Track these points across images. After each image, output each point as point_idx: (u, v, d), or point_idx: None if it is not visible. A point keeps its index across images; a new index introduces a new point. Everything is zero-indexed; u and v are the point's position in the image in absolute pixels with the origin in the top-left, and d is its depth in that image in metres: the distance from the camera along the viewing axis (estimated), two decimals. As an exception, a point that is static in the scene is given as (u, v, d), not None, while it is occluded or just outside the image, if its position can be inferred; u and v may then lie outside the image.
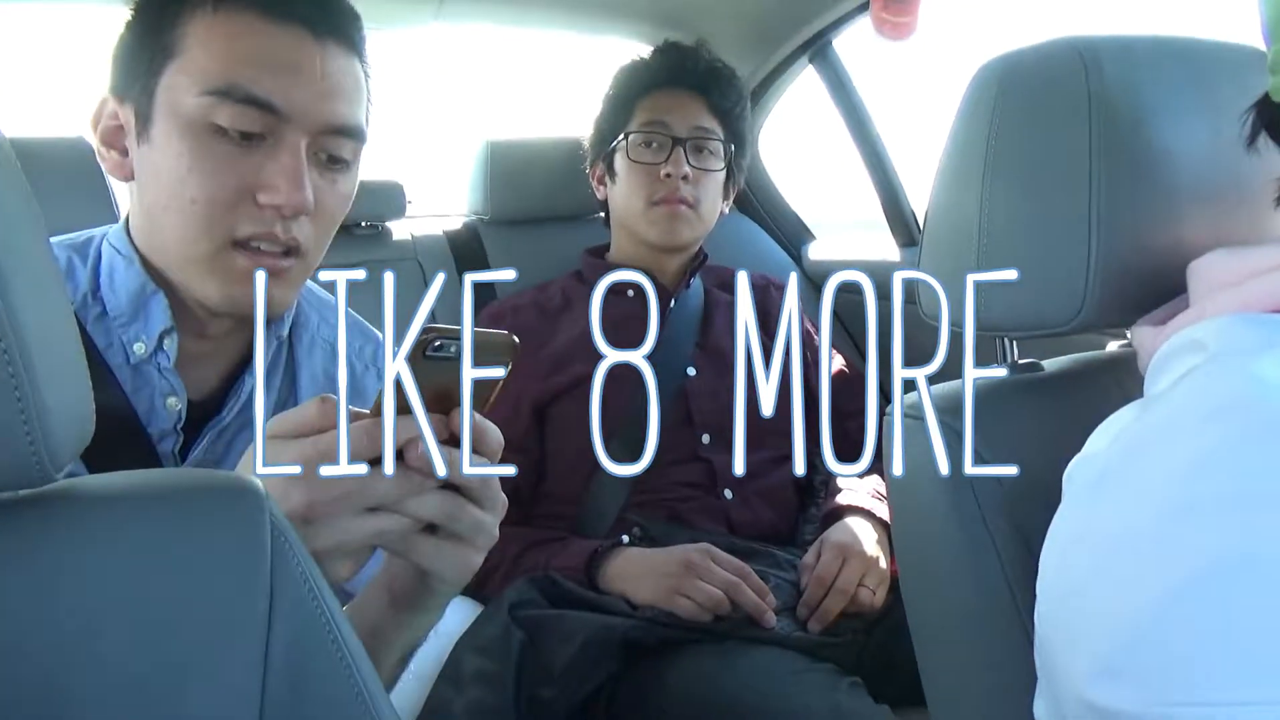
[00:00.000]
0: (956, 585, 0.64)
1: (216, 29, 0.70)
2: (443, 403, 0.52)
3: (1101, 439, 0.50)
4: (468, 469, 0.51)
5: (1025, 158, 0.66)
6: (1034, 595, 0.52)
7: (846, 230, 2.03)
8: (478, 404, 0.53)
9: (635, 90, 1.43)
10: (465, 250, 1.71)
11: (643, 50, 1.50)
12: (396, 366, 0.49)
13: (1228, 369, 0.43)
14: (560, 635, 1.07)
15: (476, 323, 1.54)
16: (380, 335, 0.90)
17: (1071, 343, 0.80)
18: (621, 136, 1.41)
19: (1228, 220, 0.65)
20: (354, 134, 0.75)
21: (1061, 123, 0.64)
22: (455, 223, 1.78)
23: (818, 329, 1.50)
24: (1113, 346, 0.83)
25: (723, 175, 1.43)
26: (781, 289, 1.52)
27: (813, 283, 1.89)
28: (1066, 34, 0.66)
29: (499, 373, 0.53)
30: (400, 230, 1.71)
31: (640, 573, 1.16)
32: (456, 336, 0.50)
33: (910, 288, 0.77)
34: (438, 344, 0.50)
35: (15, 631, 0.40)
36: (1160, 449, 0.44)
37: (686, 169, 1.36)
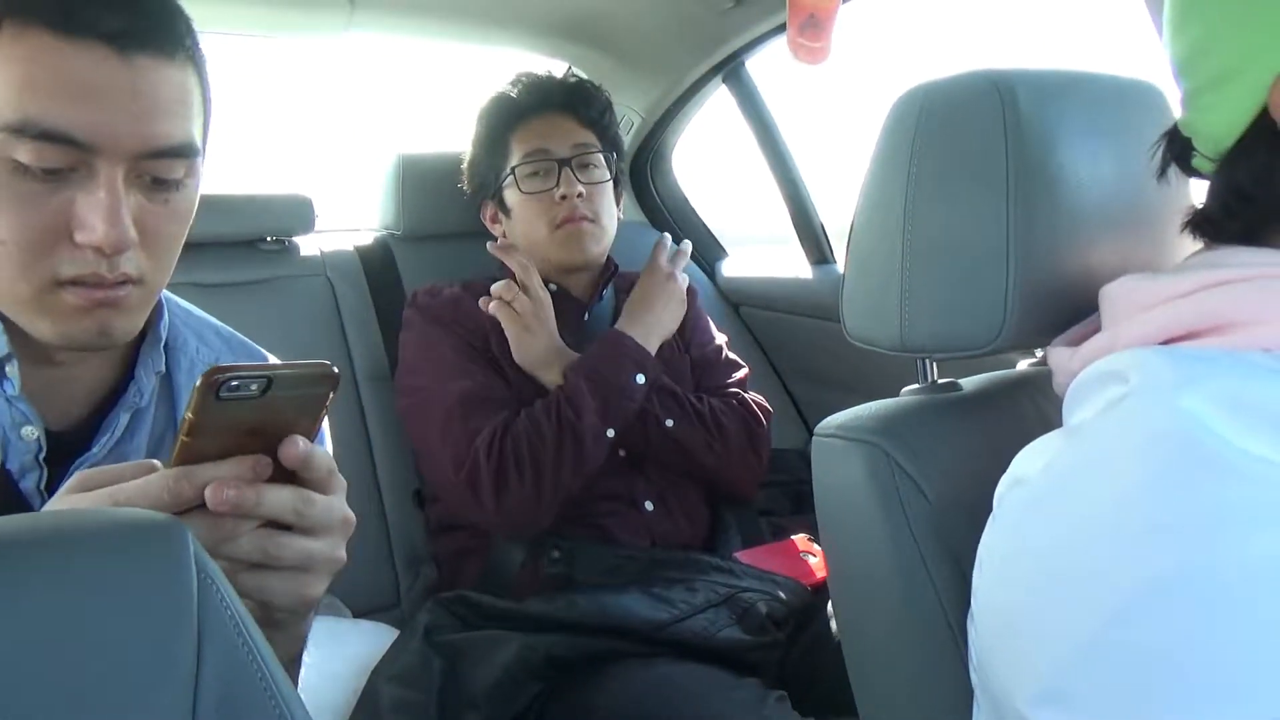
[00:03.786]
0: (889, 603, 0.65)
1: (3, 53, 0.61)
2: (259, 439, 0.52)
3: (1031, 463, 0.52)
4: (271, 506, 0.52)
5: (945, 184, 0.68)
6: (965, 612, 0.54)
7: (762, 245, 2.06)
8: (300, 434, 0.53)
9: (506, 124, 1.44)
10: (377, 265, 1.68)
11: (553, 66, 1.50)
12: (188, 415, 0.49)
13: (1153, 403, 0.45)
14: (480, 658, 1.06)
15: (414, 300, 1.50)
16: (265, 353, 0.87)
17: (982, 362, 0.83)
18: (508, 171, 1.42)
19: (1136, 246, 0.69)
20: (182, 152, 0.67)
21: (979, 151, 0.66)
22: (366, 238, 1.74)
23: (730, 343, 1.53)
24: (1023, 365, 0.87)
25: (611, 184, 1.46)
26: (691, 291, 1.54)
27: (727, 299, 1.92)
28: (982, 67, 0.69)
29: (316, 404, 0.54)
30: (309, 246, 1.67)
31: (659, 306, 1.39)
32: (256, 374, 0.49)
33: (830, 304, 0.79)
34: (234, 384, 0.49)
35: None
36: (1093, 479, 0.46)
37: (579, 187, 1.38)
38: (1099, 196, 0.68)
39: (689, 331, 1.50)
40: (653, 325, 1.36)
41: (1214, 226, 0.57)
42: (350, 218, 1.88)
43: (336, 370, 0.54)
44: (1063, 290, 0.66)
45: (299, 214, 1.63)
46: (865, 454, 0.67)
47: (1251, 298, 0.50)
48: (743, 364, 1.52)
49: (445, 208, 1.64)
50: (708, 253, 1.99)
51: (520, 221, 1.43)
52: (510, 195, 1.43)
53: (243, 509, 0.51)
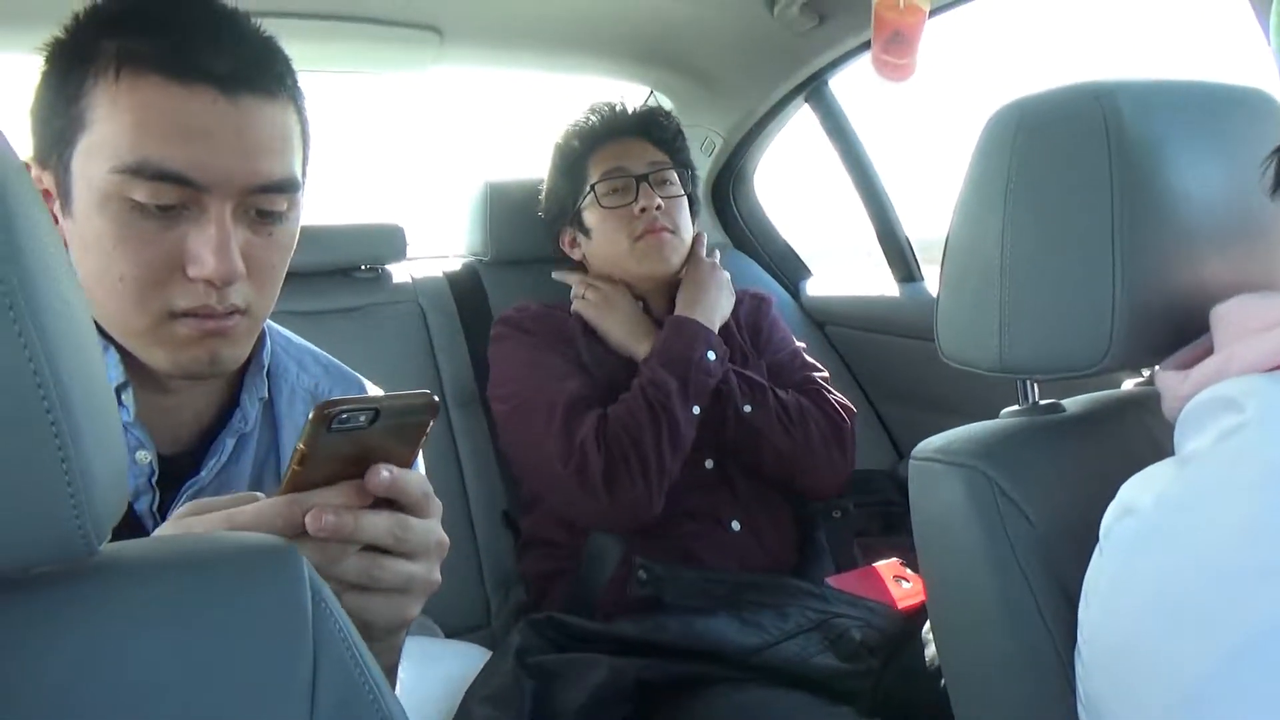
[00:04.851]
0: (993, 634, 0.63)
1: (121, 99, 0.65)
2: (364, 465, 0.54)
3: (1141, 493, 0.50)
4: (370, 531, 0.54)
5: (1045, 200, 0.66)
6: (1073, 643, 0.52)
7: (849, 259, 2.05)
8: (400, 460, 0.56)
9: (583, 151, 1.49)
10: (465, 291, 1.71)
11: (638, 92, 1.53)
12: (300, 446, 0.52)
13: (1270, 434, 0.43)
14: (570, 680, 1.06)
15: (503, 317, 1.55)
16: (361, 378, 0.89)
17: (1086, 383, 0.80)
18: (588, 190, 1.45)
19: (1247, 263, 0.66)
20: (285, 187, 0.70)
21: (1081, 166, 0.64)
22: (455, 264, 1.78)
23: (788, 343, 1.53)
24: (1128, 385, 0.84)
25: (686, 200, 1.49)
26: (756, 296, 1.54)
27: (811, 319, 1.90)
28: (1086, 79, 0.67)
29: (417, 432, 0.56)
30: (400, 273, 1.71)
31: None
32: (364, 407, 0.52)
33: (918, 323, 0.77)
34: (344, 416, 0.51)
35: (59, 708, 0.39)
36: (1207, 512, 0.44)
37: (658, 200, 1.42)
38: (1209, 211, 0.66)
39: (764, 337, 1.51)
40: (710, 307, 1.40)
41: None
42: (440, 245, 1.92)
43: (437, 399, 0.56)
44: (1172, 309, 0.64)
45: (391, 242, 1.68)
46: (965, 478, 0.65)
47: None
48: (821, 367, 1.51)
49: (531, 232, 1.66)
50: (792, 272, 1.98)
51: (601, 238, 1.46)
52: (589, 215, 1.47)
53: (341, 534, 0.53)
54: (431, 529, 0.58)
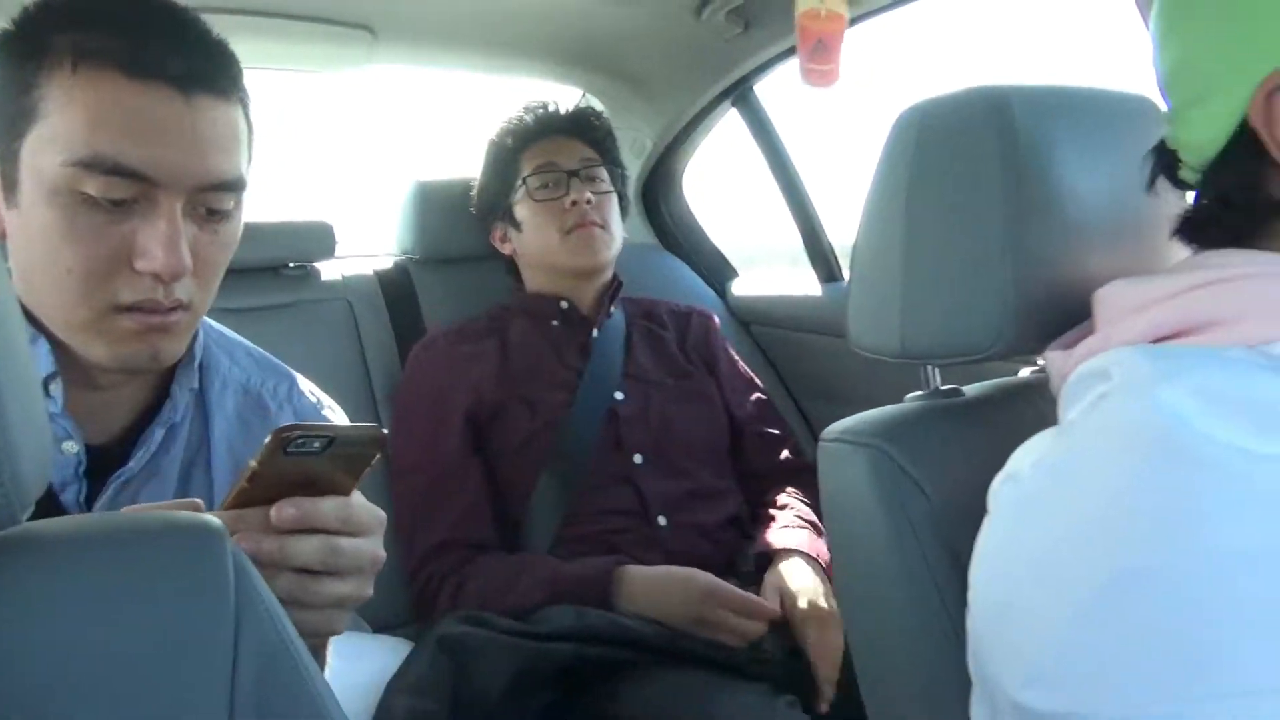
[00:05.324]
0: (893, 602, 0.67)
1: (76, 92, 0.65)
2: (308, 489, 0.57)
3: (1024, 461, 0.54)
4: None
5: (942, 197, 0.70)
6: (963, 604, 0.56)
7: (776, 263, 2.10)
8: (341, 488, 0.58)
9: (516, 147, 1.53)
10: (396, 289, 1.72)
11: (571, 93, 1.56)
12: (252, 464, 0.54)
13: (1132, 398, 0.47)
14: (493, 664, 1.07)
15: (407, 358, 1.56)
16: (292, 372, 0.90)
17: (987, 370, 0.85)
18: (519, 183, 1.49)
19: (1128, 253, 0.71)
20: (234, 186, 0.72)
21: (976, 164, 0.68)
22: (386, 262, 1.78)
23: (746, 381, 1.57)
24: (1025, 373, 0.88)
25: (616, 197, 1.53)
26: (703, 315, 1.59)
27: (738, 318, 1.94)
28: (982, 84, 0.72)
29: (363, 462, 0.59)
30: (330, 270, 1.71)
31: (663, 597, 1.18)
32: (322, 434, 0.54)
33: (839, 320, 0.81)
34: (300, 441, 0.53)
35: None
36: (1078, 472, 0.48)
37: (589, 195, 1.46)
38: (1094, 206, 0.70)
39: (717, 360, 1.54)
40: (658, 604, 1.19)
41: (1200, 232, 0.59)
42: (370, 243, 1.93)
43: (386, 433, 0.59)
44: (1059, 297, 0.68)
45: (320, 240, 1.67)
46: (869, 456, 0.69)
47: (1233, 297, 0.52)
48: (784, 422, 1.56)
49: (461, 231, 1.68)
50: (719, 273, 2.02)
51: (532, 231, 1.49)
52: (521, 209, 1.50)
53: (264, 559, 0.54)
54: (363, 549, 0.60)
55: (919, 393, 0.80)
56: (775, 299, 1.88)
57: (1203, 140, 0.57)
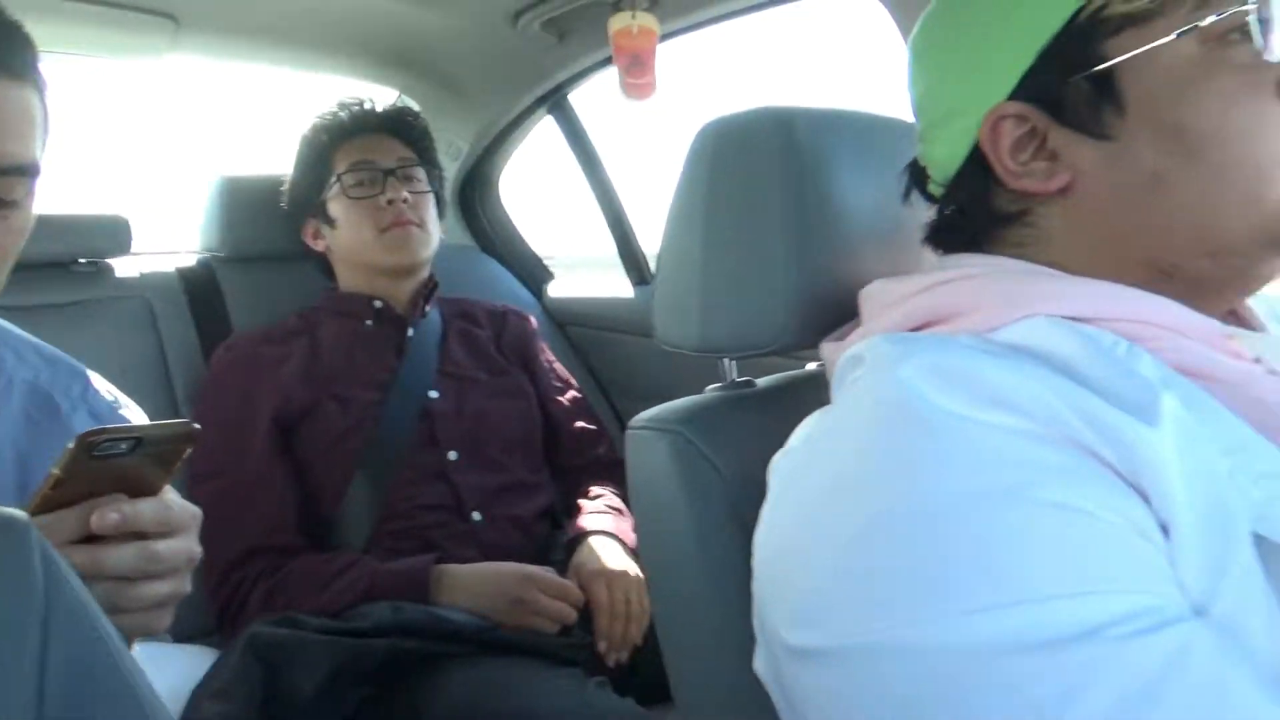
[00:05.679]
0: (692, 572, 0.73)
1: None
2: (119, 488, 0.57)
3: (796, 436, 0.61)
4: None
5: (735, 204, 0.78)
6: (750, 568, 0.62)
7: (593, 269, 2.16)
8: (154, 485, 0.59)
9: (330, 143, 1.51)
10: (199, 288, 1.66)
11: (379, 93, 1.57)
12: (54, 471, 0.54)
13: (879, 376, 0.55)
14: (305, 664, 1.07)
15: (211, 360, 1.50)
16: (86, 370, 0.88)
17: (780, 363, 0.93)
18: (334, 180, 1.47)
19: (891, 256, 0.80)
20: (27, 171, 0.69)
21: (764, 177, 0.76)
22: (189, 260, 1.72)
23: (563, 380, 1.61)
24: (811, 366, 0.98)
25: (433, 198, 1.54)
26: (520, 316, 1.62)
27: (554, 320, 1.99)
28: (770, 104, 0.80)
29: (174, 457, 0.59)
30: (126, 267, 1.63)
31: (481, 589, 1.21)
32: (127, 435, 0.54)
33: (649, 321, 0.87)
34: (106, 444, 0.54)
35: None
36: (836, 439, 0.56)
37: (405, 193, 1.46)
38: (864, 216, 0.80)
39: (534, 361, 1.58)
40: (478, 595, 1.22)
41: (944, 238, 0.69)
42: (171, 240, 1.85)
43: (198, 427, 0.58)
44: (835, 296, 0.77)
45: (114, 235, 1.60)
46: (670, 441, 0.75)
47: (967, 293, 0.62)
48: (599, 419, 1.61)
49: (269, 228, 1.64)
50: (535, 275, 2.07)
51: (346, 229, 1.47)
52: (335, 206, 1.48)
53: (78, 570, 0.53)
54: (179, 549, 0.60)
55: (717, 384, 0.87)
56: (589, 300, 1.95)
57: (944, 159, 0.67)
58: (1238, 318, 0.66)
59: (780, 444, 0.63)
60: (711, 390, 0.86)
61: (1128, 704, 0.42)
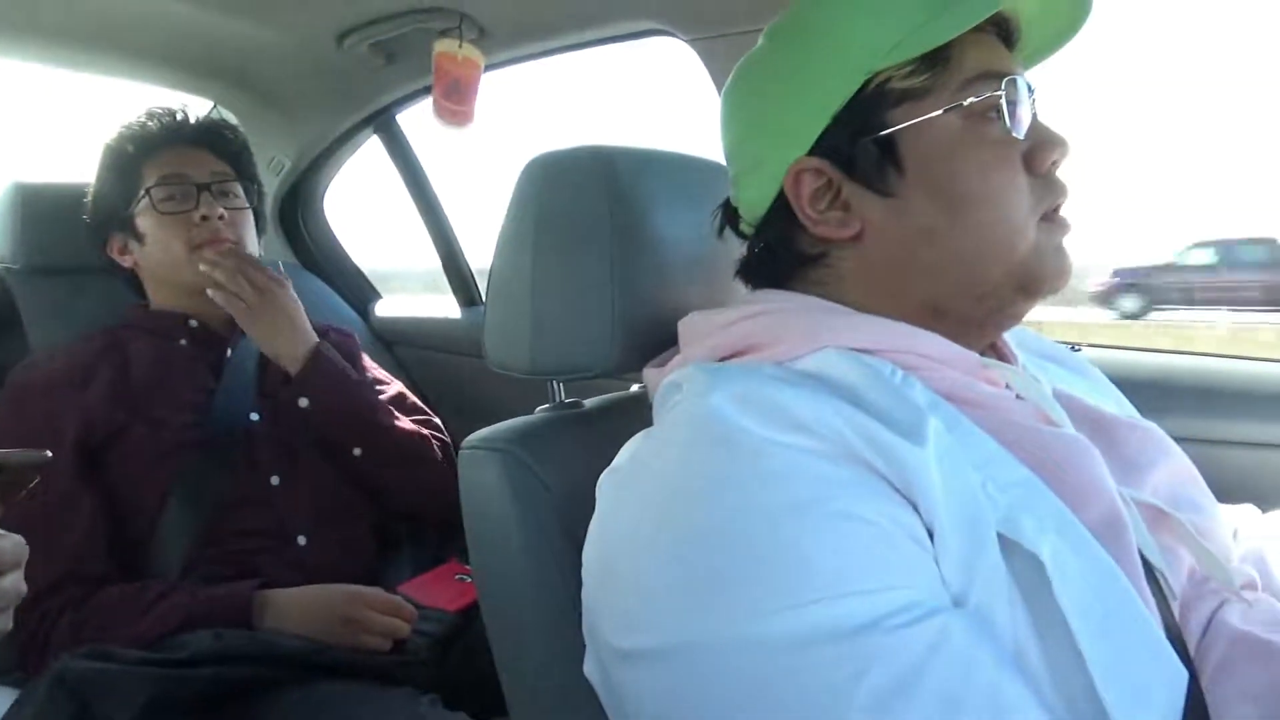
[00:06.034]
0: (523, 585, 0.77)
1: None
2: None
3: (622, 456, 0.67)
4: None
5: (563, 236, 0.83)
6: (580, 580, 0.67)
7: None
8: None
9: (139, 153, 1.43)
10: None
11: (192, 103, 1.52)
12: None
13: (692, 401, 0.61)
14: (122, 697, 1.02)
15: (8, 381, 1.39)
16: None
17: (606, 385, 0.99)
18: (142, 194, 1.40)
19: (709, 289, 0.88)
20: None
21: (587, 211, 0.81)
22: (-21, 271, 1.60)
23: (385, 380, 1.61)
24: (635, 388, 1.04)
25: (251, 214, 1.48)
26: (340, 331, 1.60)
27: (380, 339, 1.98)
28: (594, 143, 0.85)
29: (18, 488, 0.59)
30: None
31: (309, 611, 1.19)
32: None
33: (478, 342, 0.91)
34: None
35: None
36: (657, 459, 0.62)
37: (220, 210, 1.40)
38: (682, 250, 0.86)
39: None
40: (301, 622, 1.20)
41: (753, 274, 0.77)
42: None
43: (49, 454, 0.58)
44: (656, 323, 0.83)
45: None
46: (501, 460, 0.79)
47: (771, 327, 0.69)
48: (425, 408, 1.60)
49: (70, 239, 1.55)
50: (361, 294, 2.05)
51: (156, 245, 1.40)
52: (144, 221, 1.40)
53: None
54: (8, 588, 0.59)
55: (546, 405, 0.92)
56: (417, 320, 1.95)
57: (754, 202, 0.74)
58: (997, 351, 0.77)
59: (607, 462, 0.68)
60: (542, 411, 0.91)
61: (901, 681, 0.49)
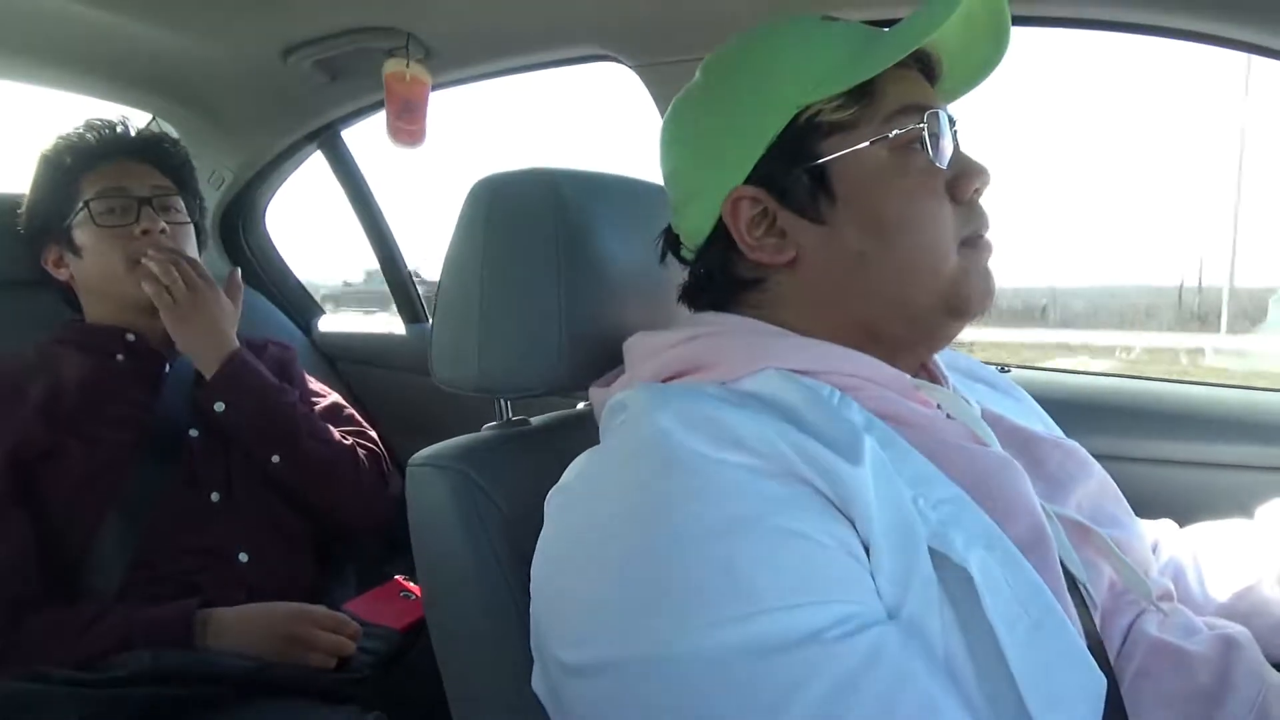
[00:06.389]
0: (472, 602, 0.78)
1: None
2: None
3: (570, 474, 0.68)
4: None
5: (511, 256, 0.84)
6: (528, 595, 0.68)
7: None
8: None
9: (77, 165, 1.41)
10: None
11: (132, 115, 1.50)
12: None
13: (638, 421, 0.63)
14: (52, 718, 1.01)
15: None
16: None
17: (553, 403, 1.00)
18: (81, 206, 1.38)
19: (654, 311, 0.90)
20: None
21: (535, 233, 0.83)
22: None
23: (322, 392, 1.60)
24: (582, 406, 1.05)
25: (192, 228, 1.47)
26: (280, 345, 1.59)
27: (323, 354, 1.96)
28: (542, 166, 0.87)
29: None
30: None
31: (251, 630, 1.17)
32: None
33: (424, 358, 0.91)
34: None
35: None
36: (603, 477, 0.63)
37: (162, 224, 1.39)
38: (627, 272, 0.88)
39: (298, 389, 1.54)
40: (244, 641, 1.19)
41: (695, 298, 0.79)
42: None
43: None
44: (602, 343, 0.85)
45: None
46: (449, 478, 0.80)
47: (713, 348, 0.71)
48: (362, 421, 1.59)
49: (3, 252, 1.51)
50: (303, 309, 2.03)
51: (94, 258, 1.38)
52: (82, 233, 1.38)
53: None
54: None
55: (494, 423, 0.92)
56: (361, 336, 1.94)
57: (694, 229, 0.77)
58: (928, 372, 0.80)
59: (554, 479, 0.70)
60: (489, 429, 0.91)
61: (837, 691, 0.52)
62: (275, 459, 1.37)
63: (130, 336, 1.41)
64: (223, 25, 1.50)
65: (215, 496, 1.34)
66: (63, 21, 1.49)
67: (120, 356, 1.40)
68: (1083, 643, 0.59)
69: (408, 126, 1.44)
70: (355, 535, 1.47)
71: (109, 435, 1.31)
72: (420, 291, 1.91)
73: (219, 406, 1.35)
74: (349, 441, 1.47)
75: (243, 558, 1.32)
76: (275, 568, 1.35)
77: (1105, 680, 0.57)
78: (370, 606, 1.40)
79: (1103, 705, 0.56)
